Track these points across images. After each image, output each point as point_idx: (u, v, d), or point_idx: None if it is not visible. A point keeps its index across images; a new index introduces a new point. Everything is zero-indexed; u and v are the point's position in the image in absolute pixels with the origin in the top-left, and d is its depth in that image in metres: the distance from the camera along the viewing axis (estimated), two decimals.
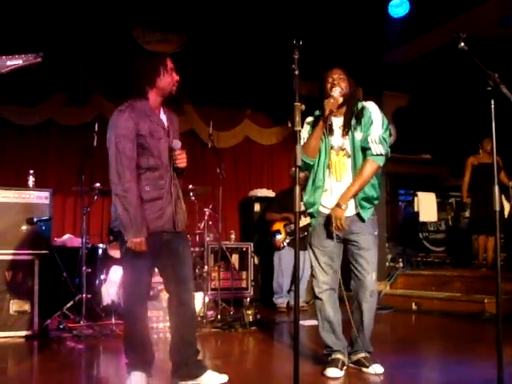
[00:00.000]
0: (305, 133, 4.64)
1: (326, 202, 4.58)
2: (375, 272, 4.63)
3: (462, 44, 3.65)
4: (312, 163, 4.55)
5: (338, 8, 8.78)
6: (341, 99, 4.47)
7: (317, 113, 4.66)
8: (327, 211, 4.56)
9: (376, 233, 4.66)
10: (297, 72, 3.36)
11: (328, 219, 4.54)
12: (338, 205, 4.45)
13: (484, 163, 9.09)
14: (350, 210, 4.54)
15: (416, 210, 10.73)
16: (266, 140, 11.09)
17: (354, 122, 4.55)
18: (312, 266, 4.69)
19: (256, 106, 10.81)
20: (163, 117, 4.20)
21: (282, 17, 8.98)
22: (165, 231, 4.08)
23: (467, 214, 10.21)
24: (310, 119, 4.72)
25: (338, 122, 4.60)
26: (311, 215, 4.65)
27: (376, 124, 4.51)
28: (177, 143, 4.09)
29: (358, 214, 4.54)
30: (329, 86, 4.54)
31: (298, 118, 3.24)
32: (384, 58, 9.77)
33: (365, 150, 4.50)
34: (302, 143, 4.48)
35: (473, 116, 8.88)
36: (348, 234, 4.57)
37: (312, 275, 4.73)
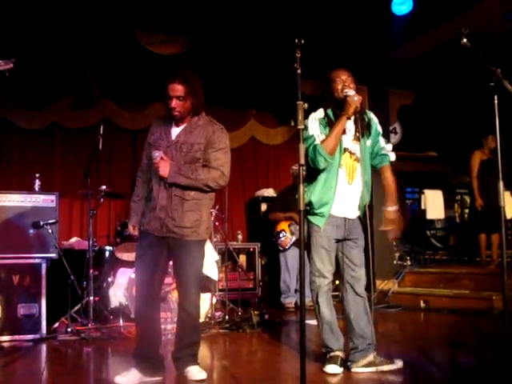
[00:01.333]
0: (315, 130, 4.60)
1: (336, 205, 4.61)
2: None
3: (465, 40, 3.65)
4: (331, 161, 4.52)
5: (342, 6, 8.77)
6: (361, 98, 4.53)
7: (329, 112, 4.65)
8: (337, 214, 4.61)
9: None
10: (299, 71, 3.36)
11: (337, 222, 4.63)
12: (391, 208, 4.75)
13: (487, 159, 8.99)
14: (354, 212, 4.69)
15: (423, 207, 10.71)
16: (271, 140, 11.08)
17: (365, 128, 4.67)
18: (315, 268, 4.66)
19: (261, 106, 10.80)
20: (178, 129, 4.42)
21: (285, 15, 8.96)
22: (149, 232, 4.37)
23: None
24: (319, 115, 4.67)
25: (348, 124, 4.61)
26: (321, 215, 4.61)
27: (381, 134, 4.86)
28: (154, 153, 4.29)
29: (358, 217, 4.73)
30: (340, 86, 4.58)
31: (300, 117, 3.25)
32: (388, 55, 9.74)
33: (375, 156, 4.83)
34: (318, 141, 4.53)
35: (478, 113, 8.84)
36: (350, 235, 4.66)
37: (313, 275, 4.69)
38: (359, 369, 4.61)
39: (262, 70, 10.00)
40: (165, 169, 4.23)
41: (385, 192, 4.78)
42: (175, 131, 4.41)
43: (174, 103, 4.28)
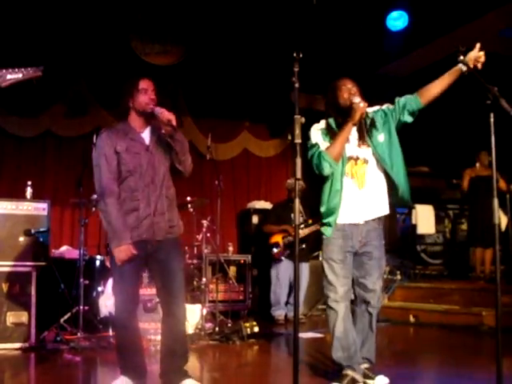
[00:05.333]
0: (318, 138, 4.55)
1: (344, 213, 4.55)
2: (382, 280, 4.69)
3: (462, 57, 3.67)
4: (336, 167, 4.46)
5: (337, 21, 8.80)
6: (366, 105, 4.50)
7: (331, 121, 4.64)
8: (348, 221, 4.54)
9: (383, 242, 4.70)
10: (297, 85, 3.35)
11: (348, 231, 4.53)
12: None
13: (481, 176, 9.08)
14: (370, 214, 4.56)
15: (414, 222, 10.72)
16: (264, 152, 11.10)
17: (370, 130, 4.58)
18: (327, 281, 4.56)
19: (254, 118, 10.83)
20: (146, 134, 4.39)
21: (280, 29, 9.00)
22: (145, 241, 4.24)
23: (464, 226, 10.16)
24: (321, 126, 4.63)
25: (352, 132, 4.59)
26: (328, 224, 4.54)
27: (386, 105, 4.68)
28: (158, 109, 4.23)
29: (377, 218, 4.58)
30: (346, 94, 4.54)
31: (298, 131, 3.24)
32: (382, 70, 9.79)
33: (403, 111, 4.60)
34: (322, 148, 4.48)
35: (471, 128, 8.89)
36: (362, 246, 4.55)
37: (327, 289, 4.63)
38: None
39: (256, 82, 10.04)
40: (172, 115, 4.19)
41: (446, 86, 4.47)
42: (145, 135, 4.38)
43: (153, 95, 4.32)
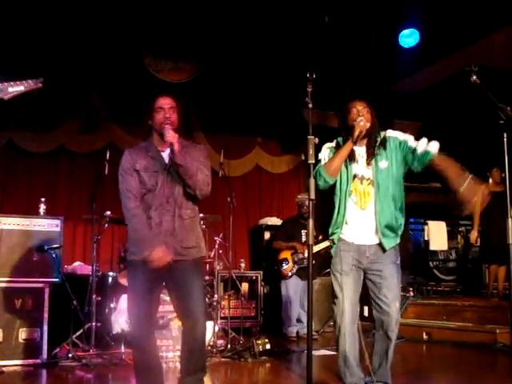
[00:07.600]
0: (324, 155, 4.60)
1: (348, 231, 4.56)
2: (398, 301, 4.58)
3: (474, 77, 3.67)
4: (331, 182, 4.51)
5: (349, 38, 8.83)
6: (368, 124, 4.51)
7: (340, 140, 4.65)
8: (351, 240, 4.55)
9: (398, 262, 4.62)
10: (310, 105, 3.36)
11: (353, 248, 4.54)
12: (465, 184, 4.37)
13: (495, 192, 8.98)
14: (372, 238, 4.54)
15: (426, 238, 10.68)
16: (276, 168, 11.10)
17: (377, 150, 4.58)
18: (333, 293, 4.56)
19: (267, 134, 10.84)
20: (167, 152, 4.32)
21: (292, 46, 9.04)
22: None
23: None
24: (331, 144, 4.69)
25: (360, 151, 4.60)
26: (333, 241, 4.58)
27: (407, 137, 4.64)
28: (166, 129, 4.23)
29: (380, 244, 4.51)
30: (354, 115, 4.56)
31: (311, 151, 3.24)
32: (394, 87, 9.81)
33: (412, 162, 4.56)
34: (323, 163, 4.54)
35: (482, 145, 8.86)
36: (370, 264, 4.54)
37: (333, 303, 4.62)
38: None
39: (268, 98, 10.05)
40: (175, 137, 4.19)
41: (448, 177, 4.45)
42: (165, 154, 4.33)
43: (169, 113, 4.28)
